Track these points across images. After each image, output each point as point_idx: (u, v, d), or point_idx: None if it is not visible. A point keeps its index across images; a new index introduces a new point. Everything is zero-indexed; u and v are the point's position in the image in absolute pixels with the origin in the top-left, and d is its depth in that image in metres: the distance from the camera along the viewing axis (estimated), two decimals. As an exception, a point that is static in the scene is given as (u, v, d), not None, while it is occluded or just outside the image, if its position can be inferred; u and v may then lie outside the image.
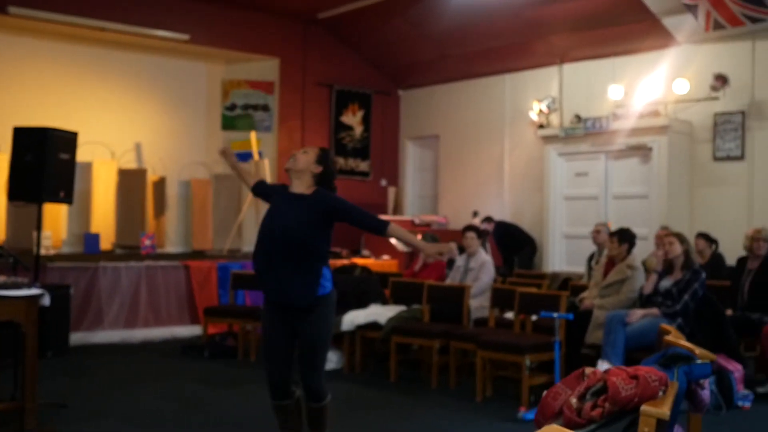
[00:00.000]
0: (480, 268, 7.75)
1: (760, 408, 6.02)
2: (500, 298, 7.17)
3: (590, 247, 8.85)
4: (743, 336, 6.68)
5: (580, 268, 9.52)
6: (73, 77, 10.89)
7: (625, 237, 6.91)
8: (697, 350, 3.09)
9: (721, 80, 9.33)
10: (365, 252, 11.63)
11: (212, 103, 12.22)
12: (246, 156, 11.65)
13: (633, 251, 6.95)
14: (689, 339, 4.01)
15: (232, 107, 12.18)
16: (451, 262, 8.35)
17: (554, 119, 11.16)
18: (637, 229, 7.26)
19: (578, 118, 10.65)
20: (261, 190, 4.61)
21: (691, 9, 9.15)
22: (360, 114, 13.13)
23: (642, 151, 9.95)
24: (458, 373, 6.93)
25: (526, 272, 9.70)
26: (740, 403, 5.90)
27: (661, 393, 2.53)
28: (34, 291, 5.06)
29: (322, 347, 4.21)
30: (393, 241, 11.60)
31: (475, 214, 11.56)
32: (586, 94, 10.82)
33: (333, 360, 7.58)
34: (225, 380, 7.06)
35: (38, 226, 6.80)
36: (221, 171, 11.87)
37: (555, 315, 6.15)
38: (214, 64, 12.20)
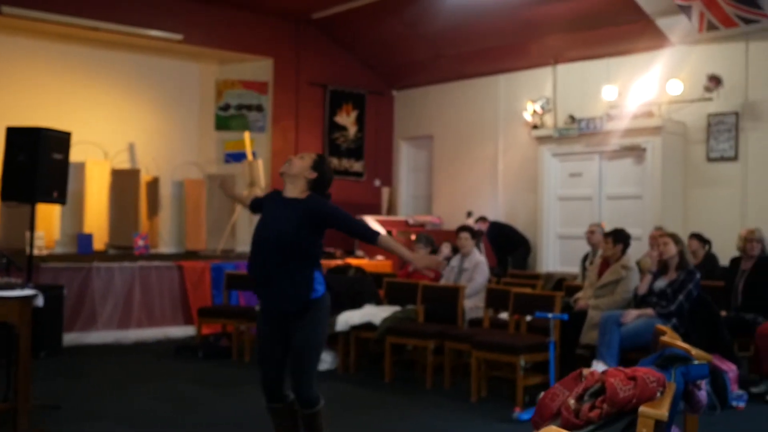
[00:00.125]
0: (474, 269, 7.76)
1: (754, 408, 6.03)
2: (495, 298, 7.17)
3: (584, 248, 8.86)
4: (737, 336, 6.69)
5: (574, 269, 9.53)
6: (66, 77, 10.85)
7: (620, 237, 6.92)
8: (694, 351, 3.09)
9: (715, 81, 9.36)
10: (359, 252, 11.63)
11: (206, 104, 12.19)
12: (240, 156, 11.64)
13: (627, 252, 6.95)
14: (684, 339, 4.01)
15: (226, 107, 12.16)
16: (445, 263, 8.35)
17: (548, 120, 11.17)
18: (630, 230, 7.27)
19: (572, 118, 10.67)
20: (257, 205, 4.61)
21: (685, 10, 9.17)
22: (354, 114, 13.11)
23: (636, 152, 9.96)
24: (453, 374, 6.93)
25: (521, 273, 9.71)
26: (734, 403, 5.92)
27: (659, 394, 2.52)
28: (27, 292, 5.04)
29: (313, 351, 4.18)
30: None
31: (469, 214, 11.55)
32: (580, 95, 10.83)
33: (327, 360, 7.57)
34: (219, 381, 7.04)
35: (31, 227, 6.77)
36: (215, 171, 11.85)
37: (550, 315, 6.15)
38: (208, 64, 12.17)
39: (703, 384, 3.00)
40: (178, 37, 10.98)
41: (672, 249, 6.41)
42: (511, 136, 11.82)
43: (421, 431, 5.55)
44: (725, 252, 8.21)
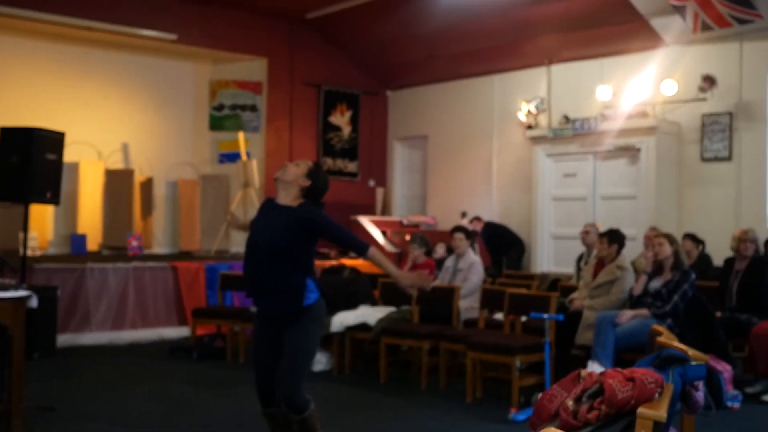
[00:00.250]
0: (469, 269, 7.75)
1: (749, 408, 6.04)
2: (490, 299, 7.16)
3: (578, 248, 8.86)
4: (732, 336, 6.69)
5: (569, 269, 9.53)
6: (60, 77, 10.81)
7: (615, 238, 6.92)
8: (690, 351, 3.08)
9: (709, 81, 9.37)
10: (353, 253, 11.59)
11: (200, 104, 12.17)
12: (234, 156, 11.62)
13: (623, 252, 6.95)
14: (679, 340, 4.01)
15: (220, 107, 12.13)
16: (440, 263, 8.34)
17: (542, 120, 11.18)
18: (625, 230, 7.27)
19: (566, 118, 10.67)
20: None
21: (679, 10, 9.18)
22: (348, 114, 13.10)
23: (630, 152, 9.97)
24: (448, 374, 6.91)
25: (515, 273, 9.70)
26: (729, 404, 5.93)
27: (657, 395, 2.52)
28: (21, 293, 5.01)
29: (302, 358, 4.17)
30: (382, 241, 11.60)
31: (464, 214, 11.55)
32: (574, 95, 10.83)
33: (322, 361, 7.56)
34: (214, 382, 7.02)
35: (24, 227, 6.75)
36: (209, 171, 11.83)
37: (545, 316, 6.15)
38: (202, 63, 12.15)
39: (701, 385, 2.99)
40: (172, 36, 10.96)
41: (667, 249, 6.41)
42: (505, 136, 11.82)
43: (417, 432, 5.54)
44: (719, 252, 8.22)
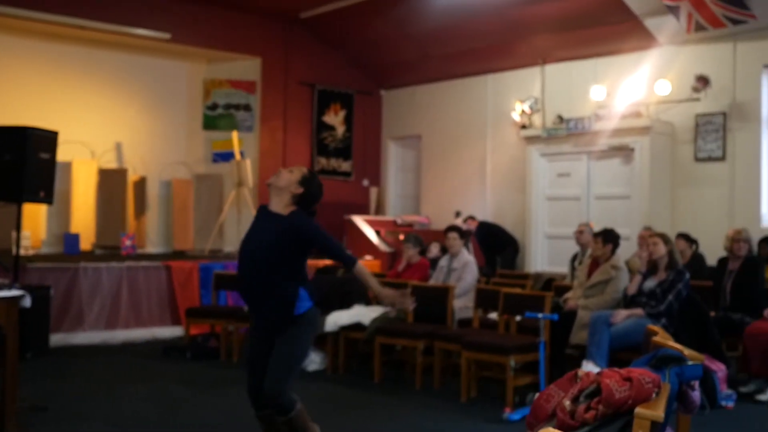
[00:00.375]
0: (463, 268, 7.75)
1: (743, 407, 6.05)
2: (484, 298, 7.16)
3: (572, 248, 8.86)
4: (725, 336, 6.71)
5: (563, 269, 9.54)
6: (53, 76, 10.77)
7: (610, 237, 6.93)
8: (686, 351, 3.08)
9: (703, 81, 9.39)
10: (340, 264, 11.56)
11: (193, 103, 12.14)
12: (227, 156, 11.60)
13: (617, 252, 6.96)
14: (673, 339, 4.01)
15: (214, 107, 12.11)
16: (434, 262, 8.34)
17: (536, 120, 11.18)
18: (619, 230, 7.27)
19: (560, 118, 10.68)
20: None
21: (673, 10, 9.19)
22: (342, 114, 13.09)
23: (624, 152, 9.98)
24: (443, 374, 6.92)
25: (510, 272, 9.70)
26: (724, 403, 5.94)
27: (654, 395, 2.52)
28: (14, 292, 4.99)
29: (291, 361, 4.16)
30: (376, 241, 11.59)
31: (458, 214, 11.55)
32: (568, 95, 10.84)
33: (316, 361, 7.55)
34: (208, 381, 7.01)
35: (17, 227, 6.71)
36: (202, 171, 11.81)
37: (540, 315, 6.15)
38: (196, 63, 12.12)
39: (697, 384, 3.00)
40: (166, 36, 10.92)
41: (661, 249, 6.42)
42: (499, 136, 11.83)
43: (411, 432, 5.54)
44: (712, 252, 8.23)
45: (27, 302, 5.09)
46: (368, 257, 11.33)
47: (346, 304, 7.81)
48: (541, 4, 10.05)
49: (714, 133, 9.51)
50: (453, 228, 8.10)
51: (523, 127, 11.18)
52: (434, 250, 8.94)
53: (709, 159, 9.58)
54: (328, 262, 10.28)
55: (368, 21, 11.57)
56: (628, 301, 6.54)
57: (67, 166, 10.25)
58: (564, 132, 10.42)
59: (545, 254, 10.91)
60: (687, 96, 9.59)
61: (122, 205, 10.60)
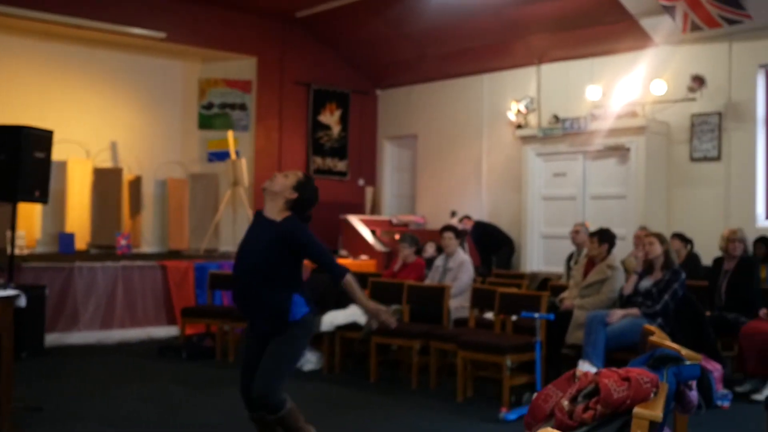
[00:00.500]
0: (459, 268, 7.75)
1: (738, 407, 6.06)
2: (480, 298, 7.16)
3: (568, 248, 8.86)
4: (720, 336, 6.72)
5: (558, 269, 9.54)
6: (48, 75, 10.74)
7: (606, 237, 6.93)
8: (684, 351, 3.08)
9: (698, 81, 9.40)
10: (343, 252, 11.59)
11: (189, 102, 12.12)
12: (223, 155, 11.59)
13: (613, 251, 6.96)
14: (669, 339, 4.01)
15: (209, 106, 12.09)
16: (430, 262, 8.33)
17: (532, 119, 11.19)
18: (614, 229, 7.28)
19: (556, 118, 10.68)
20: None
21: (669, 10, 9.20)
22: (338, 113, 13.08)
23: (620, 152, 9.99)
24: (439, 374, 6.91)
25: (505, 272, 9.71)
26: (720, 403, 5.93)
27: (652, 395, 2.51)
28: (9, 292, 4.97)
29: (283, 363, 4.15)
30: (371, 241, 11.58)
31: (453, 213, 11.55)
32: (564, 95, 10.85)
33: (312, 361, 7.55)
34: (203, 381, 6.99)
35: (12, 226, 6.70)
36: (198, 170, 11.79)
37: (536, 315, 6.15)
38: (191, 62, 12.10)
39: (694, 384, 3.00)
40: (161, 35, 10.90)
41: (657, 249, 6.42)
42: (495, 135, 11.83)
43: (407, 431, 5.52)
44: (708, 252, 8.25)
45: (22, 302, 5.08)
46: (364, 257, 11.33)
47: (341, 304, 7.79)
48: (536, 4, 10.05)
49: (709, 133, 9.53)
50: (449, 228, 8.10)
51: (519, 126, 11.19)
52: (430, 249, 8.93)
53: (705, 159, 9.60)
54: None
55: (364, 20, 11.57)
56: (624, 300, 6.54)
57: (62, 165, 10.23)
58: (560, 132, 10.42)
59: (541, 254, 10.91)
60: (682, 96, 9.60)
61: (117, 205, 10.58)
